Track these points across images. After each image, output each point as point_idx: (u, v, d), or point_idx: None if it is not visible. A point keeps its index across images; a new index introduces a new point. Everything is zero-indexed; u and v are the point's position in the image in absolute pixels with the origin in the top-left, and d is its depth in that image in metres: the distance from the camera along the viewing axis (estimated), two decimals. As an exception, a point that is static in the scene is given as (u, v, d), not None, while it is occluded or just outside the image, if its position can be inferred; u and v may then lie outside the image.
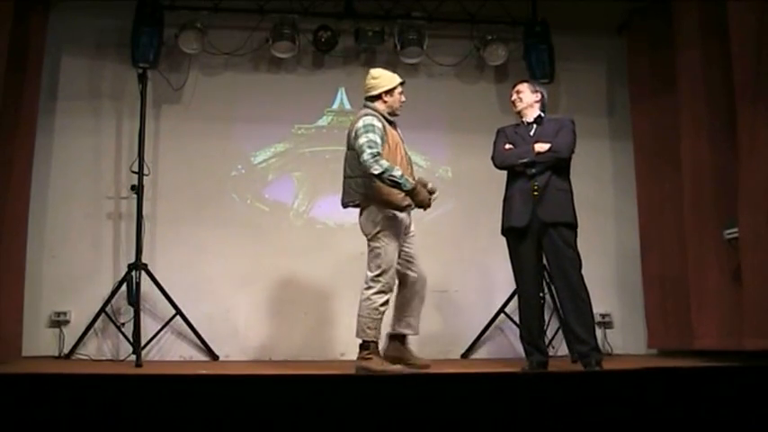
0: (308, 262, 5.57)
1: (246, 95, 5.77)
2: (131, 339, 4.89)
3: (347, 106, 5.90)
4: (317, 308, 5.54)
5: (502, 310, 5.49)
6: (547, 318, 5.10)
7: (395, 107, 4.18)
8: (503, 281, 5.12)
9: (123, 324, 5.11)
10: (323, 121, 5.90)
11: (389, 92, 4.16)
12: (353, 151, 4.03)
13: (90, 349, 5.23)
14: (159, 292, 5.19)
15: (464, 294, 5.68)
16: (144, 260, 5.13)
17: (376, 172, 3.89)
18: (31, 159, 5.19)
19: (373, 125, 4.00)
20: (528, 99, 4.31)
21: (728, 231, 4.80)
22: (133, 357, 4.78)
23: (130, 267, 5.08)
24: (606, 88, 6.21)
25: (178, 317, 5.22)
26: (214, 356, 5.32)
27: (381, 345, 4.11)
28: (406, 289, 4.15)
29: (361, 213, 4.11)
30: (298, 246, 5.64)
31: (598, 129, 6.02)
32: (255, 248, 5.59)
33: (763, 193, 4.38)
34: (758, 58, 4.43)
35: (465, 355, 5.51)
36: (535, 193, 4.09)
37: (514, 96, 4.35)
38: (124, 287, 5.08)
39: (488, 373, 3.89)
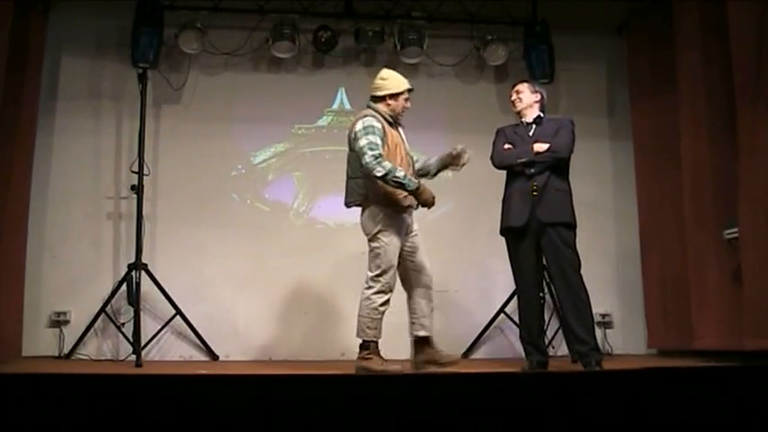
0: (308, 262, 5.57)
1: (246, 95, 5.77)
2: (131, 339, 4.89)
3: (347, 106, 5.90)
4: (317, 308, 5.54)
5: (502, 310, 5.49)
6: (547, 318, 5.10)
7: (397, 111, 4.16)
8: (503, 281, 5.11)
9: (123, 324, 5.12)
10: (323, 121, 5.90)
11: (394, 96, 4.14)
12: (354, 152, 4.04)
13: (90, 349, 5.23)
14: (159, 292, 5.19)
15: (464, 294, 5.68)
16: (144, 260, 5.13)
17: (379, 174, 3.89)
18: (31, 159, 5.19)
19: (373, 126, 4.00)
20: (527, 99, 4.31)
21: (728, 231, 4.80)
22: (133, 357, 4.78)
23: (130, 267, 5.08)
24: (606, 88, 6.21)
25: (178, 317, 5.22)
26: (214, 356, 5.32)
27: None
28: (414, 291, 4.15)
29: (362, 213, 4.11)
30: (298, 246, 5.64)
31: (598, 128, 6.02)
32: (255, 248, 5.59)
33: (763, 192, 4.38)
34: (758, 58, 4.43)
35: (465, 355, 5.50)
36: (534, 193, 4.09)
37: (514, 96, 4.35)
38: (124, 287, 5.08)
39: (488, 373, 3.88)
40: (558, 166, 4.15)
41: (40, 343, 5.20)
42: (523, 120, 4.31)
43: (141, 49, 5.21)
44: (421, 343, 4.14)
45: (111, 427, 1.93)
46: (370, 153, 3.91)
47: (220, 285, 5.48)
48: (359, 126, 4.02)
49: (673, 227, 5.40)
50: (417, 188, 3.96)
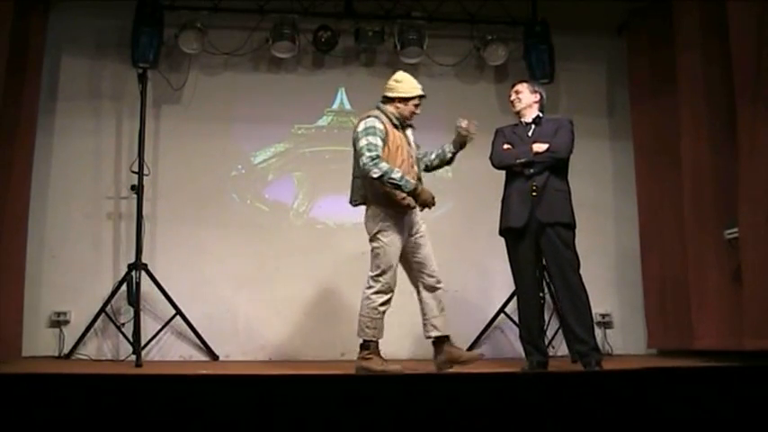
0: (308, 262, 5.57)
1: (246, 95, 5.77)
2: (131, 339, 4.89)
3: (347, 106, 5.90)
4: (317, 308, 5.54)
5: (502, 310, 5.50)
6: (547, 318, 5.10)
7: (405, 116, 4.17)
8: (502, 281, 5.11)
9: (123, 324, 5.12)
10: (323, 121, 5.90)
11: (404, 100, 4.16)
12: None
13: (90, 349, 5.23)
14: (159, 292, 5.19)
15: (464, 294, 5.67)
16: (144, 260, 5.13)
17: (375, 175, 3.93)
18: (31, 159, 5.19)
19: (374, 127, 4.02)
20: (527, 99, 4.30)
21: (728, 231, 4.80)
22: (133, 357, 4.78)
23: (130, 267, 5.08)
24: (606, 88, 6.21)
25: (178, 317, 5.22)
26: (214, 356, 5.32)
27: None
28: (421, 292, 4.15)
29: (365, 212, 4.14)
30: (298, 246, 5.64)
31: (598, 129, 6.02)
32: (255, 248, 5.59)
33: (764, 192, 4.38)
34: (758, 58, 4.43)
35: (465, 355, 5.50)
36: (533, 194, 4.08)
37: (513, 96, 4.34)
38: (124, 287, 5.08)
39: (488, 373, 3.88)
40: (558, 166, 4.15)
41: (40, 343, 5.20)
42: (522, 120, 4.31)
43: (141, 49, 5.21)
44: (439, 343, 4.15)
45: (111, 427, 1.93)
46: (367, 154, 3.95)
47: (220, 285, 5.48)
48: (361, 127, 4.05)
49: (673, 227, 5.40)
50: (415, 189, 3.97)
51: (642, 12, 5.84)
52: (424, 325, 4.15)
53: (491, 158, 4.30)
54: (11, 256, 4.90)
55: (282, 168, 5.83)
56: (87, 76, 5.63)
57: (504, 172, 4.28)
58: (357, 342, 4.12)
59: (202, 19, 5.53)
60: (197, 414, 1.98)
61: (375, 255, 4.05)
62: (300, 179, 5.83)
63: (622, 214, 5.93)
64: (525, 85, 4.37)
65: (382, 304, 4.02)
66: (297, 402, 2.02)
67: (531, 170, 4.12)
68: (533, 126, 4.25)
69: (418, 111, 4.19)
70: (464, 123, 4.17)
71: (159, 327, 5.24)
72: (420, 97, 4.17)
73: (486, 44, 5.82)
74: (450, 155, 4.31)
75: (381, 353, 4.09)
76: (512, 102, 4.36)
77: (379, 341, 4.08)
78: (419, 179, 4.14)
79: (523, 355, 4.30)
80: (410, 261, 4.14)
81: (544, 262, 4.32)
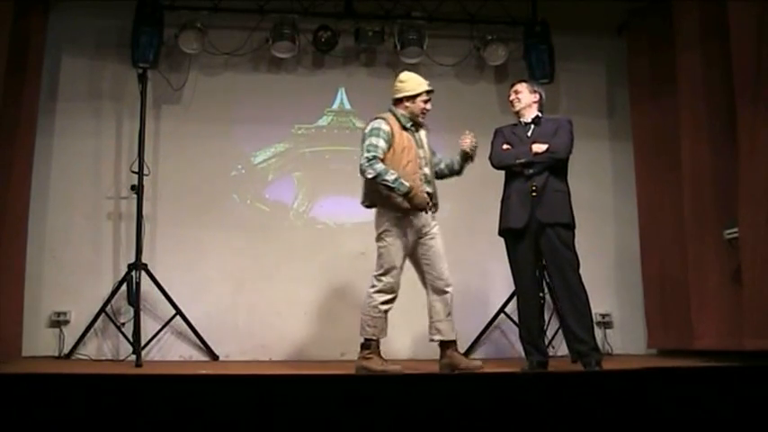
0: (308, 262, 5.57)
1: (246, 95, 5.77)
2: (131, 339, 4.88)
3: (347, 106, 5.90)
4: (317, 308, 5.54)
5: (502, 310, 5.50)
6: (547, 318, 5.10)
7: (415, 113, 4.20)
8: (502, 281, 5.11)
9: (123, 324, 5.11)
10: (323, 121, 5.90)
11: (411, 98, 4.19)
12: None
13: (90, 349, 5.23)
14: (159, 292, 5.19)
15: (464, 294, 5.66)
16: (144, 260, 5.13)
17: (369, 176, 4.01)
18: (31, 160, 5.19)
19: (378, 129, 4.08)
20: (526, 99, 4.30)
21: (728, 231, 4.80)
22: (133, 357, 4.78)
23: (130, 267, 5.08)
24: (606, 89, 6.21)
25: (178, 317, 5.22)
26: (214, 356, 5.32)
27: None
28: (429, 294, 4.16)
29: (375, 213, 4.18)
30: (298, 246, 5.65)
31: (598, 129, 6.02)
32: (256, 248, 5.59)
33: (764, 192, 4.38)
34: (758, 58, 4.43)
35: (465, 356, 5.49)
36: (533, 194, 4.08)
37: (512, 96, 4.34)
38: (124, 287, 5.08)
39: (488, 373, 3.89)
40: (557, 166, 4.14)
41: (40, 343, 5.20)
42: (522, 120, 4.30)
43: (141, 49, 5.21)
44: (443, 347, 4.16)
45: (111, 427, 1.93)
46: (365, 155, 4.03)
47: (220, 285, 5.48)
48: (367, 129, 4.13)
49: (673, 227, 5.40)
50: (408, 192, 3.99)
51: (642, 12, 5.83)
52: (430, 327, 4.16)
53: (490, 158, 4.29)
54: (11, 257, 4.90)
55: (282, 168, 5.83)
56: (87, 76, 5.63)
57: (503, 172, 4.28)
58: (357, 342, 4.12)
59: (202, 19, 5.53)
60: (197, 414, 1.98)
61: (379, 255, 4.07)
62: (300, 179, 5.83)
63: (622, 214, 5.93)
64: (524, 84, 4.36)
65: (383, 303, 4.03)
66: (297, 402, 2.02)
67: (531, 170, 4.11)
68: (533, 126, 4.25)
69: (428, 106, 4.21)
70: (466, 141, 4.18)
71: (159, 327, 5.23)
72: (427, 92, 4.19)
73: (486, 44, 5.82)
74: (458, 166, 4.35)
75: (381, 353, 4.09)
76: (511, 102, 4.35)
77: (381, 341, 4.08)
78: (429, 182, 4.15)
79: (523, 355, 4.30)
80: (420, 263, 4.16)
81: (544, 262, 4.31)
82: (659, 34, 5.59)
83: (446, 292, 4.13)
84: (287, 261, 5.59)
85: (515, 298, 4.90)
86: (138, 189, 5.22)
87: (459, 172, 4.38)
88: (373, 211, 4.18)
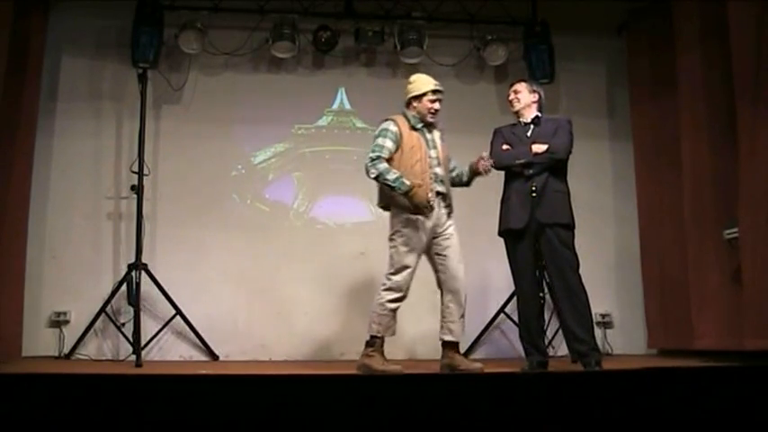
0: (308, 262, 5.57)
1: (246, 96, 5.77)
2: (131, 339, 4.88)
3: (347, 106, 5.90)
4: (317, 308, 5.54)
5: (502, 310, 5.50)
6: (547, 318, 5.09)
7: (423, 113, 4.20)
8: (502, 281, 5.11)
9: (123, 324, 5.11)
10: (323, 122, 5.90)
11: (418, 98, 4.20)
12: None
13: (90, 349, 5.22)
14: (159, 292, 5.19)
15: (464, 294, 5.67)
16: (144, 260, 5.13)
17: (372, 176, 4.07)
18: (32, 160, 5.18)
19: (386, 129, 4.14)
20: (525, 99, 4.29)
21: (728, 231, 4.80)
22: (133, 357, 4.77)
23: (130, 267, 5.07)
24: (606, 89, 6.21)
25: (178, 317, 5.22)
26: (214, 356, 5.32)
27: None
28: (444, 295, 4.17)
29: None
30: (298, 246, 5.65)
31: (598, 130, 6.02)
32: (255, 248, 5.59)
33: (763, 193, 4.38)
34: (758, 59, 4.43)
35: (465, 356, 5.48)
36: (533, 195, 4.08)
37: (512, 96, 4.33)
38: (124, 287, 5.07)
39: (488, 373, 3.89)
40: (557, 167, 4.14)
41: (40, 343, 5.20)
42: (521, 120, 4.30)
43: (141, 49, 5.21)
44: (447, 347, 4.16)
45: (111, 427, 1.93)
46: (369, 155, 4.09)
47: (220, 285, 5.47)
48: (377, 130, 4.19)
49: (673, 227, 5.40)
50: (408, 191, 4.00)
51: (642, 12, 5.83)
52: (441, 327, 4.17)
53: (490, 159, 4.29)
54: (11, 257, 4.89)
55: (282, 168, 5.83)
56: (87, 76, 5.63)
57: (502, 172, 4.28)
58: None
59: (202, 19, 5.53)
60: (197, 414, 1.98)
61: (390, 255, 4.11)
62: (300, 179, 5.83)
63: (622, 215, 5.93)
64: (524, 84, 4.36)
65: (390, 301, 4.04)
66: (297, 402, 2.02)
67: (531, 171, 4.11)
68: (532, 126, 4.24)
69: (437, 105, 4.20)
70: (481, 164, 4.17)
71: (159, 327, 5.23)
72: (434, 92, 4.19)
73: (486, 44, 5.82)
74: (466, 178, 4.38)
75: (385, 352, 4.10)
76: (510, 102, 4.35)
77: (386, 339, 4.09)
78: (442, 181, 4.16)
79: (523, 355, 4.30)
80: (435, 262, 4.18)
81: (544, 262, 4.31)
82: (659, 35, 5.59)
83: (460, 293, 4.13)
84: (287, 261, 5.59)
85: (515, 298, 4.90)
86: (138, 189, 5.22)
87: (467, 184, 4.41)
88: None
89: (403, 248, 4.05)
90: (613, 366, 4.18)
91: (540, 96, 4.32)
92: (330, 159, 5.83)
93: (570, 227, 4.14)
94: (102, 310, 5.15)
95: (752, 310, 4.38)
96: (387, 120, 4.20)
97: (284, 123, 5.83)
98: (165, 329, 5.27)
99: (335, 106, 5.92)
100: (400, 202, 4.06)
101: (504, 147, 4.25)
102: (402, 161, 4.08)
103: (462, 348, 5.45)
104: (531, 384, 2.22)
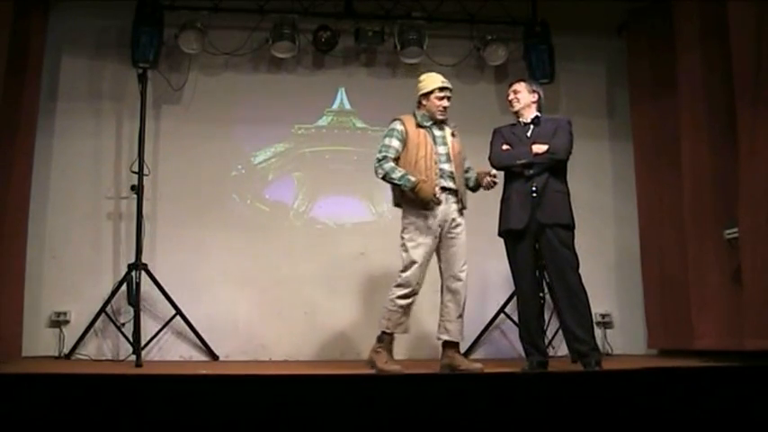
0: (308, 262, 5.57)
1: (246, 96, 5.77)
2: (131, 339, 4.88)
3: (347, 106, 5.90)
4: (317, 308, 5.54)
5: (501, 310, 5.50)
6: (547, 318, 5.09)
7: (432, 111, 4.24)
8: (502, 281, 5.11)
9: (123, 324, 5.11)
10: (323, 121, 5.90)
11: (425, 96, 4.26)
12: None
13: (90, 349, 5.22)
14: (159, 292, 5.19)
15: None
16: (144, 260, 5.13)
17: (379, 176, 4.15)
18: (32, 160, 5.18)
19: (393, 129, 4.22)
20: (525, 99, 4.29)
21: (728, 231, 4.80)
22: (133, 357, 4.77)
23: (130, 267, 5.07)
24: (606, 89, 6.20)
25: (178, 317, 5.22)
26: (214, 356, 5.32)
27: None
28: (443, 293, 4.20)
29: None
30: (298, 246, 5.65)
31: (598, 130, 6.02)
32: (255, 248, 5.59)
33: (763, 193, 4.38)
34: (758, 59, 4.43)
35: (465, 356, 5.48)
36: (533, 195, 4.08)
37: (511, 96, 4.33)
38: (124, 287, 5.07)
39: (488, 373, 3.89)
40: (557, 167, 4.14)
41: (40, 343, 5.20)
42: (521, 120, 4.29)
43: (141, 49, 5.21)
44: (447, 347, 4.20)
45: (111, 427, 1.93)
46: (376, 155, 4.17)
47: (220, 285, 5.47)
48: (386, 130, 4.25)
49: (673, 227, 5.40)
50: (414, 187, 4.04)
51: (642, 12, 5.83)
52: (439, 326, 4.20)
53: (490, 159, 4.29)
54: (11, 257, 4.89)
55: (282, 168, 5.83)
56: (87, 76, 5.63)
57: (502, 172, 4.28)
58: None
59: (202, 19, 5.52)
60: (197, 414, 1.98)
61: (401, 252, 4.15)
62: (300, 179, 5.83)
63: (622, 215, 5.93)
64: (523, 84, 4.35)
65: (399, 297, 4.08)
66: (296, 402, 2.02)
67: (531, 171, 4.11)
68: (532, 126, 4.24)
69: (445, 102, 4.24)
70: (486, 179, 4.22)
71: (159, 327, 5.23)
72: (441, 89, 4.23)
73: (486, 44, 5.82)
74: (472, 184, 4.41)
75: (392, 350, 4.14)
76: (510, 102, 4.35)
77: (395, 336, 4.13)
78: (451, 178, 4.17)
79: (523, 355, 4.30)
80: (440, 261, 4.22)
81: (544, 263, 4.31)
82: (659, 35, 5.59)
83: (460, 294, 4.16)
84: (287, 261, 5.59)
85: (515, 298, 4.90)
86: (138, 189, 5.22)
87: (472, 190, 4.43)
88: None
89: (410, 244, 4.10)
90: (613, 366, 4.19)
91: (539, 96, 4.32)
92: (330, 159, 5.83)
93: (570, 227, 4.14)
94: (102, 310, 5.15)
95: (752, 310, 4.38)
96: (395, 119, 4.27)
97: (284, 123, 5.83)
98: (164, 329, 5.27)
99: (335, 106, 5.92)
100: (410, 199, 4.11)
101: (504, 147, 4.24)
102: (407, 158, 4.15)
103: (462, 348, 5.46)
104: (531, 384, 2.22)
